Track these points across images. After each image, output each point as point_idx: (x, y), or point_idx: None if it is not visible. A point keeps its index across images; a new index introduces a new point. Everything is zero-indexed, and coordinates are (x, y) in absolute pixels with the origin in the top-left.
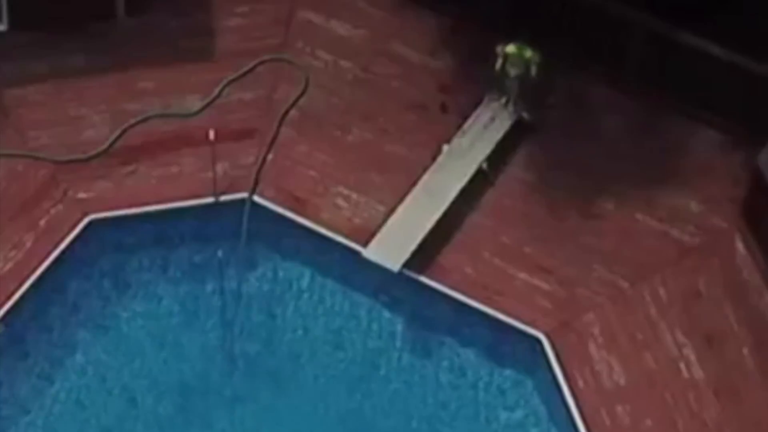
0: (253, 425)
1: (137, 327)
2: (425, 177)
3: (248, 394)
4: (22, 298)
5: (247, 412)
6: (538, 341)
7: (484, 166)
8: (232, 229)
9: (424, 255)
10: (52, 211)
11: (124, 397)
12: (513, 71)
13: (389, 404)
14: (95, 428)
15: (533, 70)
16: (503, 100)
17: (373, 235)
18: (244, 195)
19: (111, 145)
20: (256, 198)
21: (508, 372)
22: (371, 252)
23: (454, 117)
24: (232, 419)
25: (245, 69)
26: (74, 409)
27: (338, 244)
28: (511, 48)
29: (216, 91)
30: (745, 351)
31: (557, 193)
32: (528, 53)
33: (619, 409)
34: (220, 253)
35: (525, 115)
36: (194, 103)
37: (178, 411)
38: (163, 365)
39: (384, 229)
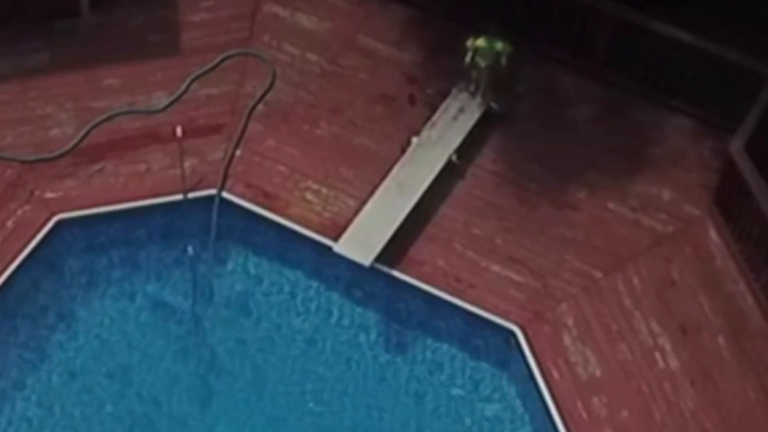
0: (226, 423)
1: (107, 327)
2: (395, 170)
3: (221, 392)
4: None
5: (220, 410)
6: (512, 333)
7: (454, 157)
8: (201, 226)
9: (396, 248)
10: (19, 211)
11: (94, 400)
12: (483, 63)
13: (363, 400)
14: (67, 429)
15: (503, 62)
16: (472, 88)
17: (343, 229)
18: (212, 191)
19: (77, 143)
20: (225, 194)
21: (482, 365)
22: (342, 246)
23: (423, 109)
24: (205, 417)
25: (211, 64)
26: (44, 414)
27: (308, 239)
28: (481, 41)
29: (182, 86)
30: (721, 339)
31: (528, 183)
32: (498, 45)
33: (595, 400)
34: (189, 250)
35: (494, 105)
36: (160, 99)
37: (150, 410)
38: (134, 365)
39: (354, 224)
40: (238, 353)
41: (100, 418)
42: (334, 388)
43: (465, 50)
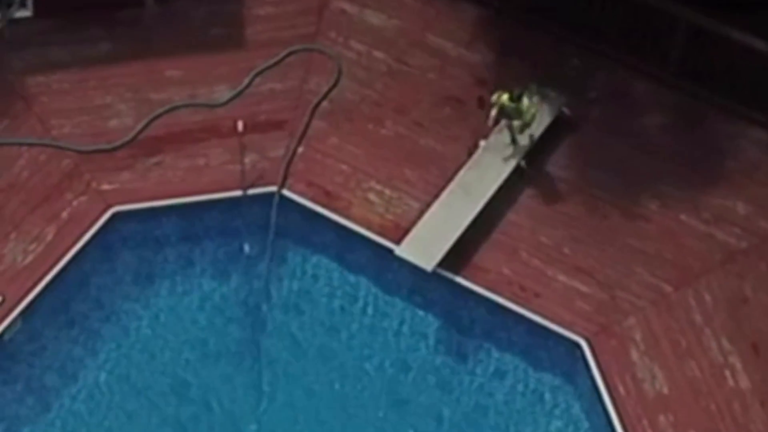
0: (279, 424)
1: (161, 324)
2: (461, 173)
3: (274, 393)
4: (41, 293)
5: (274, 411)
6: (578, 346)
7: (523, 163)
8: (259, 224)
9: (460, 254)
10: (75, 202)
11: (146, 397)
12: (508, 122)
13: (422, 409)
14: (113, 426)
15: (530, 119)
16: (507, 139)
17: (406, 232)
18: (272, 189)
19: (136, 135)
20: (285, 192)
21: (546, 378)
22: (404, 250)
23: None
24: (259, 419)
25: (276, 59)
26: (95, 408)
27: (370, 241)
28: (505, 98)
29: (245, 81)
30: None
31: (598, 192)
32: (524, 105)
33: (661, 418)
34: (247, 248)
35: (565, 110)
36: (222, 93)
37: (203, 409)
38: (186, 364)
39: (418, 227)
40: (293, 355)
41: (151, 416)
42: (391, 395)
43: (489, 105)
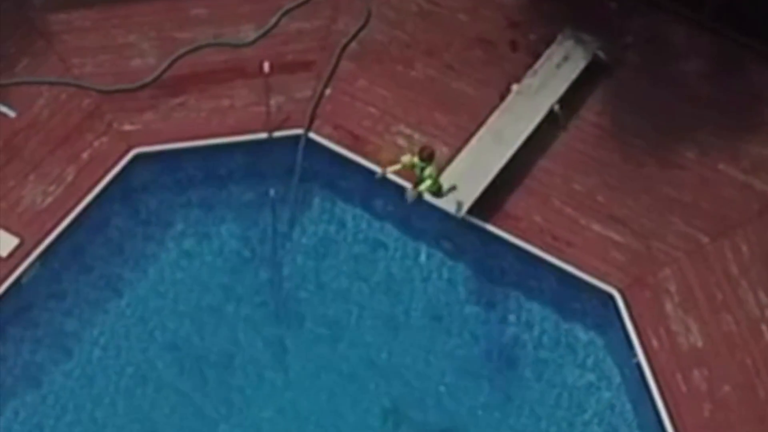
0: (300, 369)
1: (182, 267)
2: (492, 118)
3: (296, 338)
4: (61, 235)
5: (295, 357)
6: (611, 297)
7: (556, 108)
8: (285, 167)
9: (490, 201)
10: (96, 143)
11: (166, 341)
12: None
13: (450, 358)
14: (135, 372)
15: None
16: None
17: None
18: (299, 131)
19: (159, 75)
20: (312, 135)
21: (577, 329)
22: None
23: (525, 55)
24: (280, 364)
25: None
26: (114, 354)
27: (398, 186)
28: (411, 160)
29: (272, 20)
30: None
31: (633, 139)
32: (427, 171)
33: (695, 373)
34: (272, 192)
35: (601, 54)
36: (248, 32)
37: (222, 355)
38: (208, 308)
39: (447, 172)
40: (316, 300)
41: (169, 360)
42: (417, 343)
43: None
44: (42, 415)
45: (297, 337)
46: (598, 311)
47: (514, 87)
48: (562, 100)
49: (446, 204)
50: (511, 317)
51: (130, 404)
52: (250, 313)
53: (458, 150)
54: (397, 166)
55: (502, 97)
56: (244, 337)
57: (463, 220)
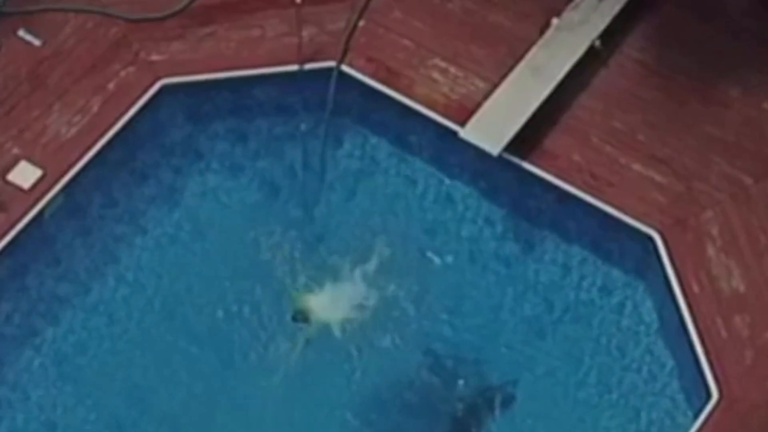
0: (330, 309)
1: (209, 202)
2: (531, 52)
3: (325, 281)
4: (85, 167)
5: (323, 300)
6: (651, 239)
7: (597, 43)
8: (316, 101)
9: (527, 138)
10: (122, 73)
11: (192, 276)
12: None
13: (486, 299)
14: (160, 309)
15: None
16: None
17: (471, 113)
18: (331, 64)
19: (189, 3)
20: (345, 68)
21: (616, 272)
22: (469, 132)
23: None
24: (314, 294)
25: None
26: (139, 289)
27: (432, 121)
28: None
29: None
30: None
31: (676, 76)
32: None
33: (737, 318)
34: (302, 126)
35: None
36: None
37: (250, 290)
38: (236, 243)
39: (484, 108)
40: (347, 237)
41: (201, 295)
42: (451, 282)
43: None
44: (62, 350)
45: (327, 271)
46: (638, 254)
47: (554, 21)
48: (604, 36)
49: (482, 141)
50: (548, 258)
51: (153, 339)
52: (276, 250)
53: (495, 85)
54: None
55: (542, 32)
56: (270, 273)
57: (499, 158)
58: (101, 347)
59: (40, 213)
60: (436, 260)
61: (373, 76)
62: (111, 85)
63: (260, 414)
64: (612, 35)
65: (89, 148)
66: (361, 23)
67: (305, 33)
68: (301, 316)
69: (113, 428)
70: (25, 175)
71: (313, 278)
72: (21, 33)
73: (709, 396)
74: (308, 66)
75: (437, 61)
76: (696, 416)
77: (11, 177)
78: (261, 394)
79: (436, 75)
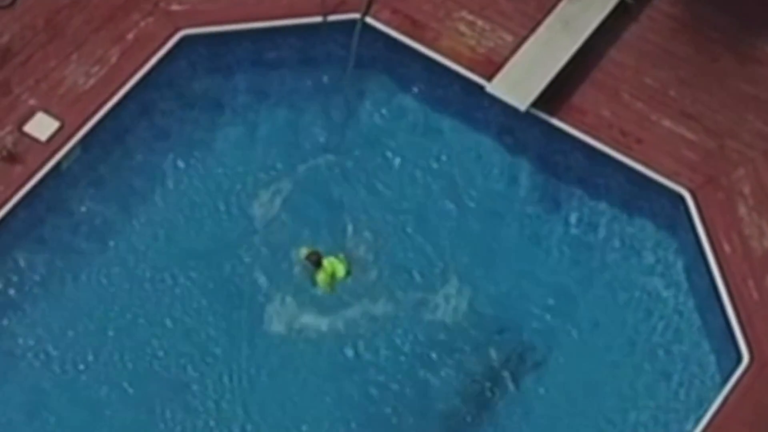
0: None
1: (228, 156)
2: (561, 5)
3: (350, 231)
4: (103, 118)
5: (350, 247)
6: (681, 198)
7: None
8: (340, 54)
9: (556, 94)
10: (142, 23)
11: (209, 227)
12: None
13: (512, 256)
14: (179, 261)
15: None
16: None
17: (499, 67)
18: (355, 16)
19: None
20: (369, 20)
21: (645, 231)
22: (496, 87)
23: None
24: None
25: None
26: (158, 243)
27: (459, 75)
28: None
29: None
30: None
31: (709, 31)
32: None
33: None
34: (325, 79)
35: None
36: None
37: (265, 242)
38: (257, 194)
39: (511, 62)
40: (371, 195)
41: (216, 250)
42: (478, 241)
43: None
44: (76, 306)
45: (350, 228)
46: (668, 213)
47: None
48: None
49: (510, 96)
50: (575, 216)
51: (172, 293)
52: (300, 201)
53: (523, 39)
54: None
55: None
56: (293, 223)
57: (526, 113)
58: (117, 298)
59: (58, 165)
60: (460, 215)
61: (397, 29)
62: (130, 36)
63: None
64: None
65: (107, 99)
66: None
67: None
68: (313, 258)
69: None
70: (42, 126)
71: (334, 230)
72: None
73: (739, 359)
74: (331, 18)
75: (464, 13)
76: (726, 380)
77: (28, 128)
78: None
79: (462, 28)
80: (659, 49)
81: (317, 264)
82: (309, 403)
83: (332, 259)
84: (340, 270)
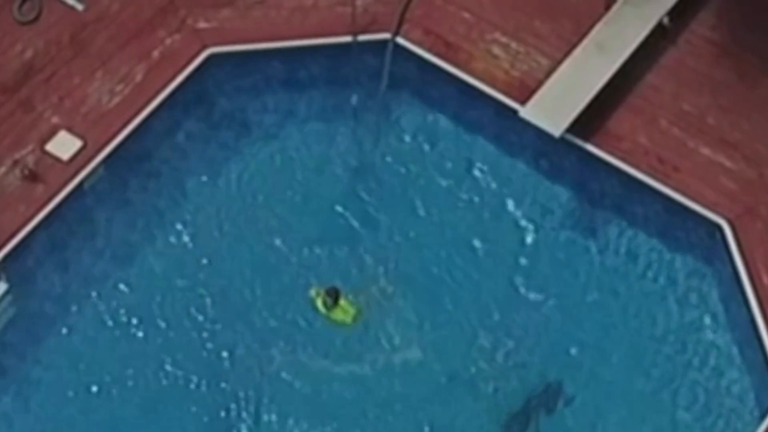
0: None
1: (256, 177)
2: (597, 28)
3: (377, 259)
4: (127, 138)
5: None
6: (719, 228)
7: (666, 20)
8: (370, 74)
9: (592, 119)
10: (168, 41)
11: (235, 253)
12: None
13: (544, 284)
14: (200, 284)
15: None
16: None
17: (533, 91)
18: (386, 35)
19: None
20: (400, 40)
21: (682, 262)
22: (530, 111)
23: None
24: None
25: None
26: (176, 265)
27: (492, 99)
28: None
29: None
30: None
31: (749, 56)
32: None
33: None
34: (354, 100)
35: None
36: None
37: (301, 268)
38: (282, 219)
39: (546, 86)
40: (401, 219)
41: (240, 274)
42: (510, 269)
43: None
44: (99, 324)
45: (379, 259)
46: (705, 243)
47: None
48: (673, 12)
49: (544, 121)
50: (611, 245)
51: (194, 321)
52: (327, 223)
53: (558, 62)
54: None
55: (608, 6)
56: (320, 248)
57: (561, 139)
58: (141, 318)
59: (80, 185)
60: (489, 242)
61: (430, 50)
62: (156, 53)
63: None
64: (681, 11)
65: (132, 118)
66: None
67: (359, 2)
68: (332, 294)
69: None
70: (64, 145)
71: (362, 256)
72: None
73: None
74: (362, 37)
75: (498, 35)
76: (765, 414)
77: (50, 147)
78: None
79: (496, 50)
80: (698, 75)
81: (335, 300)
82: None
83: (344, 303)
84: (349, 316)
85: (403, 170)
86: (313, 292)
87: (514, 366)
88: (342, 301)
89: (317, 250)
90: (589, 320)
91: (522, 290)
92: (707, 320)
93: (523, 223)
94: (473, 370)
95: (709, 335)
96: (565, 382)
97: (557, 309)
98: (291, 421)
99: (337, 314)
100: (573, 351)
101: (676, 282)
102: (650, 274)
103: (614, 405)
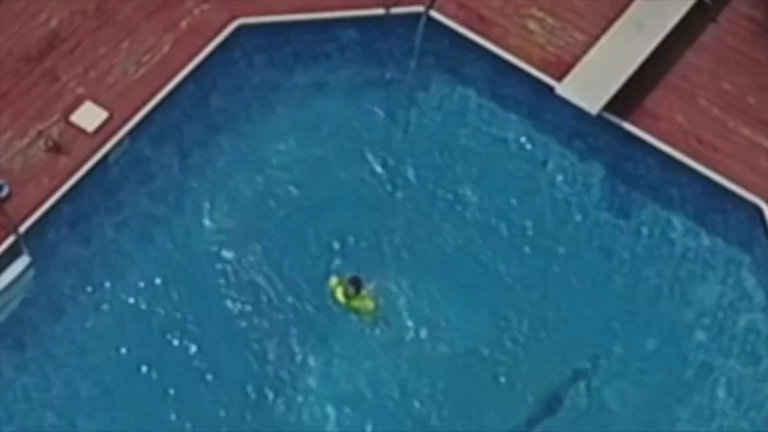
0: (412, 264)
1: (284, 149)
2: (635, 4)
3: (409, 238)
4: (153, 110)
5: (404, 263)
6: (759, 210)
7: None
8: (402, 48)
9: (629, 97)
10: (196, 11)
11: (259, 228)
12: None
13: (580, 267)
14: (223, 262)
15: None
16: None
17: (569, 68)
18: (419, 9)
19: None
20: (434, 13)
21: (720, 244)
22: (566, 88)
23: None
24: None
25: None
26: (207, 235)
27: (527, 75)
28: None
29: None
30: None
31: None
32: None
33: None
34: (387, 74)
35: None
36: None
37: (324, 245)
38: (308, 195)
39: (582, 63)
40: (434, 199)
41: (266, 252)
42: (544, 251)
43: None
44: (122, 299)
45: (412, 230)
46: (744, 225)
47: None
48: None
49: (580, 99)
50: (646, 226)
51: (219, 292)
52: (355, 197)
53: (596, 38)
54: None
55: None
56: (350, 220)
57: (598, 117)
58: (164, 294)
59: (105, 158)
60: (524, 223)
61: (463, 24)
62: (183, 23)
63: None
64: None
65: (158, 90)
66: None
67: None
68: (355, 283)
69: None
70: (89, 116)
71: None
72: None
73: None
74: (395, 10)
75: (533, 10)
76: None
77: (75, 118)
78: None
79: (532, 25)
80: (738, 53)
81: (358, 289)
82: None
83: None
84: (371, 304)
85: (433, 147)
86: (334, 281)
87: (547, 352)
88: (363, 291)
89: (343, 226)
90: (623, 303)
91: (555, 270)
92: (744, 303)
93: (558, 203)
94: (501, 356)
95: (748, 319)
96: (599, 367)
97: (591, 291)
98: (318, 409)
99: (359, 303)
100: (607, 335)
101: (714, 265)
102: (687, 256)
103: (649, 390)
